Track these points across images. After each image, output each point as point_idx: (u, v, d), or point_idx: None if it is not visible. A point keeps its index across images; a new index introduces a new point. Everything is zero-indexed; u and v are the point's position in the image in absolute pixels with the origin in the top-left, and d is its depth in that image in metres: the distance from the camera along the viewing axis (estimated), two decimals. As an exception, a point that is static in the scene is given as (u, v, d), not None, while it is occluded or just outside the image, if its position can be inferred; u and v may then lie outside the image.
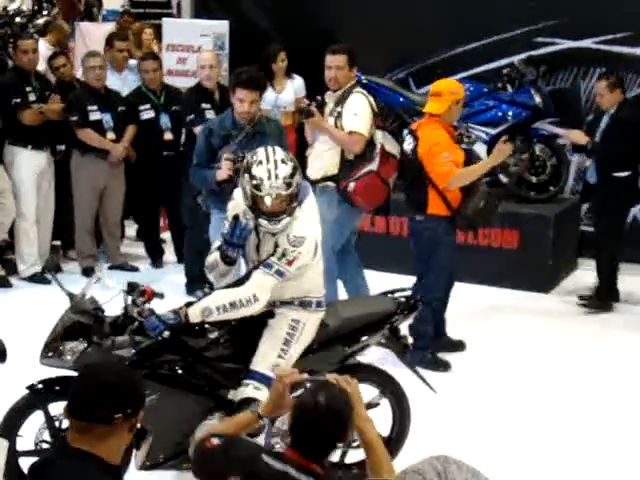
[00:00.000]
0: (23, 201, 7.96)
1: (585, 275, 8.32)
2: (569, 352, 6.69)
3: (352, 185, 6.33)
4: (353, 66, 6.49)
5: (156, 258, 8.70)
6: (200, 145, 6.23)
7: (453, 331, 6.70)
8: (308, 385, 3.00)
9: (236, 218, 4.46)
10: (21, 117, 7.81)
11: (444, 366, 6.22)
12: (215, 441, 2.91)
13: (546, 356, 6.60)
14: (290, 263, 4.33)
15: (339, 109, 6.41)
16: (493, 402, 5.79)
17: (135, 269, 8.45)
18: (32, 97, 7.94)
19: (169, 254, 8.82)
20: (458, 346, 6.64)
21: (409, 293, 4.95)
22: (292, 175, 4.28)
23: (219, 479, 2.83)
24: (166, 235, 9.00)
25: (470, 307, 7.46)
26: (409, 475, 2.29)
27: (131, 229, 9.40)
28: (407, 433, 4.71)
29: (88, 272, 8.02)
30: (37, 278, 8.07)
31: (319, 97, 6.58)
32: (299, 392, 2.98)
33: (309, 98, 6.99)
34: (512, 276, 8.00)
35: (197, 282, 7.69)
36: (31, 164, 7.93)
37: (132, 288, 4.33)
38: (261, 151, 4.37)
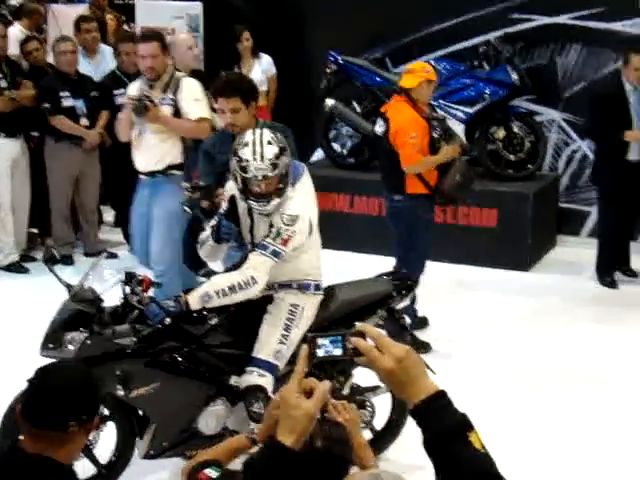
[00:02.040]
0: (-2, 190, 7.83)
1: (564, 252, 8.37)
2: (550, 329, 6.72)
3: None
4: (166, 51, 6.32)
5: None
6: (204, 169, 5.65)
7: (433, 311, 6.69)
8: None
9: (233, 198, 4.46)
10: (-7, 104, 7.66)
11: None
12: (210, 474, 2.69)
13: (527, 333, 6.63)
14: (285, 243, 4.31)
15: (171, 96, 6.16)
16: (476, 381, 5.78)
17: (114, 255, 8.34)
18: (3, 84, 7.78)
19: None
20: (423, 323, 6.62)
21: (405, 274, 4.95)
22: (278, 156, 4.26)
23: None
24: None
25: (449, 286, 7.48)
26: None
27: (109, 215, 9.28)
28: (403, 427, 4.76)
29: (67, 260, 7.93)
30: (14, 267, 7.95)
31: (146, 90, 6.13)
32: None
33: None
34: (491, 255, 8.02)
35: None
36: (4, 152, 7.78)
37: (130, 278, 4.29)
38: (248, 134, 4.35)
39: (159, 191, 6.26)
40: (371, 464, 2.74)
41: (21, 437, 2.50)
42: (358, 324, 1.87)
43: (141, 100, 6.02)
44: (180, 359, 4.36)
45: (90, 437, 4.34)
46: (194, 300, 4.26)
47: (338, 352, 1.87)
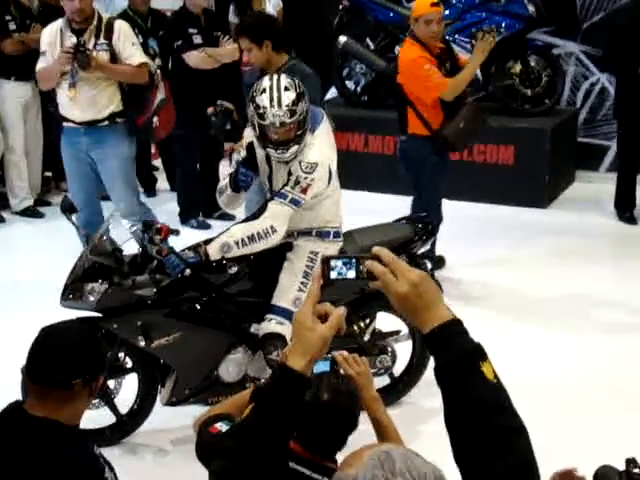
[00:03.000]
0: (10, 134, 7.78)
1: (583, 187, 8.29)
2: (568, 268, 6.66)
3: (156, 120, 6.15)
4: None
5: (149, 187, 8.57)
6: None
7: (449, 250, 6.64)
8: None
9: (251, 145, 4.41)
10: (2, 47, 7.56)
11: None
12: (221, 427, 2.72)
13: (545, 273, 6.57)
14: (304, 191, 4.26)
15: (104, 41, 5.87)
16: (488, 322, 5.60)
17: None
18: (12, 26, 7.67)
19: (162, 182, 8.69)
20: (441, 262, 6.58)
21: (425, 218, 4.89)
22: (296, 102, 4.19)
23: None
24: (158, 162, 8.86)
25: (467, 225, 7.42)
26: None
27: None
28: (423, 373, 4.76)
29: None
30: (29, 212, 7.94)
31: (82, 39, 5.78)
32: None
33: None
34: (509, 192, 7.95)
35: (190, 211, 7.65)
36: (16, 96, 7.72)
37: (148, 226, 4.25)
38: (266, 79, 4.28)
39: (105, 141, 5.97)
40: (382, 417, 2.75)
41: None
42: (374, 248, 1.80)
43: (82, 51, 5.68)
44: (200, 308, 4.35)
45: (111, 386, 4.37)
46: (214, 250, 4.24)
47: (352, 275, 1.81)
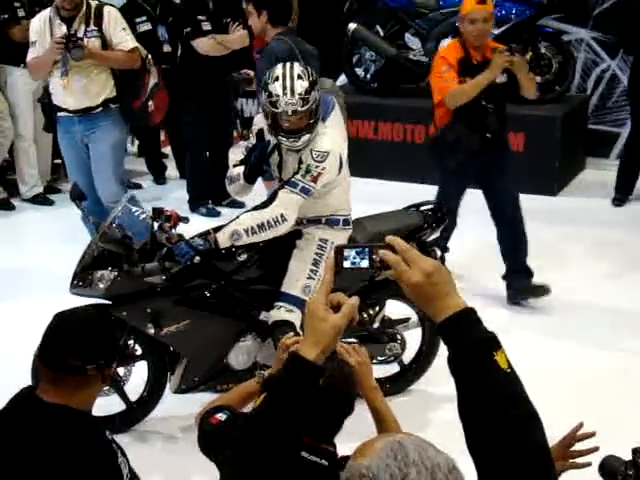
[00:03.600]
0: (20, 121, 7.77)
1: (593, 174, 8.25)
2: (576, 254, 6.64)
3: (151, 104, 6.13)
4: None
5: (158, 174, 8.58)
6: None
7: (456, 237, 6.53)
8: None
9: (261, 132, 4.41)
10: (11, 34, 7.55)
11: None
12: (221, 418, 2.75)
13: (553, 259, 6.55)
14: (315, 179, 4.25)
15: (94, 27, 5.81)
16: (493, 309, 5.64)
17: (138, 186, 8.32)
18: (21, 13, 7.66)
19: (171, 169, 8.68)
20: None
21: (435, 206, 4.87)
22: (309, 91, 4.17)
23: None
24: (167, 150, 8.85)
25: (478, 212, 7.36)
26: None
27: (132, 145, 9.21)
28: (432, 361, 4.74)
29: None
30: (39, 199, 7.95)
31: (73, 29, 5.75)
32: None
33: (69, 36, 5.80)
34: (519, 180, 7.88)
35: (200, 199, 7.64)
36: (24, 83, 7.68)
37: (158, 213, 4.24)
38: (279, 67, 4.27)
39: (98, 126, 5.94)
40: (381, 405, 2.74)
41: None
42: (388, 237, 1.78)
43: (75, 42, 5.63)
44: (210, 296, 4.35)
45: (121, 373, 4.38)
46: (223, 238, 4.24)
47: (365, 264, 1.80)
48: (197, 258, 4.18)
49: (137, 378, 4.46)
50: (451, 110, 5.57)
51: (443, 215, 4.81)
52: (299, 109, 4.16)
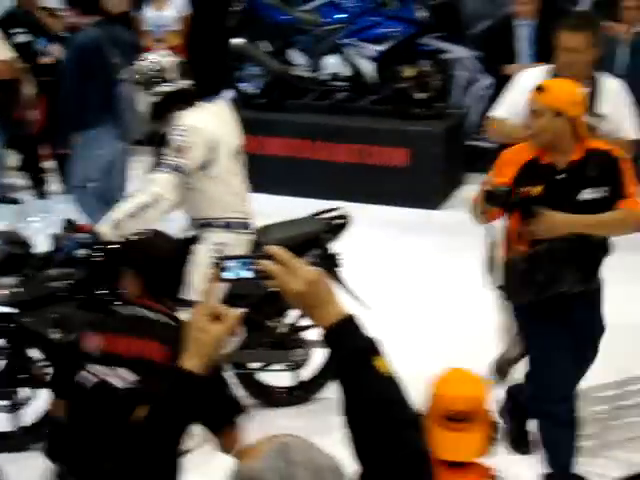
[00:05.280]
0: None
1: (472, 189, 8.47)
2: (458, 265, 6.75)
3: (29, 113, 6.47)
4: None
5: (40, 189, 8.34)
6: None
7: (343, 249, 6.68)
8: None
9: None
10: None
11: None
12: None
13: (436, 270, 6.71)
14: (181, 153, 4.32)
15: None
16: (382, 317, 5.71)
17: (15, 201, 8.06)
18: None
19: (54, 183, 8.46)
20: None
21: (337, 213, 4.97)
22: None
23: None
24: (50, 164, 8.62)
25: (360, 226, 7.47)
26: None
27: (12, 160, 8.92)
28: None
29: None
30: None
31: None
32: None
33: None
34: (401, 194, 8.08)
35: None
36: None
37: (69, 224, 4.28)
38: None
39: None
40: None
41: None
42: (267, 247, 1.82)
43: None
44: (114, 299, 4.28)
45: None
46: (106, 228, 4.26)
47: (249, 274, 1.83)
48: (81, 251, 4.15)
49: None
50: None
51: (344, 222, 4.89)
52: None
